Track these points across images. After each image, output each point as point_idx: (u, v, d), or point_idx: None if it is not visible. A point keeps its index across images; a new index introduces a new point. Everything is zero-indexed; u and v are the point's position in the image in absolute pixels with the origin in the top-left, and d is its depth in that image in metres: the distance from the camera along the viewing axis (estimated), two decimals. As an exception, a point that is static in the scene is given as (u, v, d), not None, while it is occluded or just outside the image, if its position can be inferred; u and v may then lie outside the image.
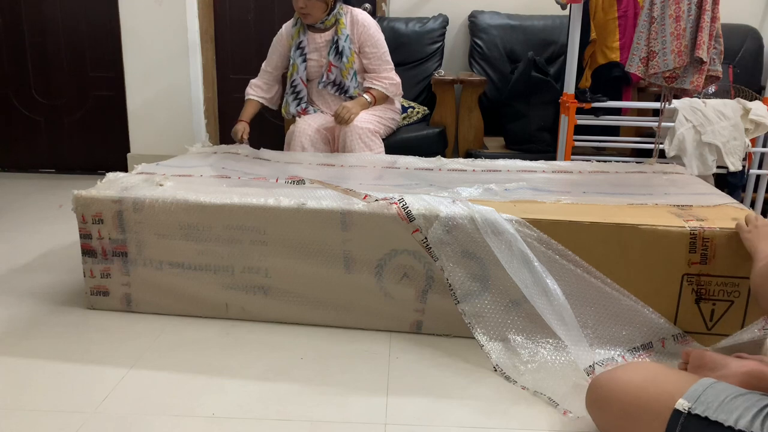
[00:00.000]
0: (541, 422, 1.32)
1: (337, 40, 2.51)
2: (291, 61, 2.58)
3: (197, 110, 3.53)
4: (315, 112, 2.59)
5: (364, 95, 2.53)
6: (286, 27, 2.64)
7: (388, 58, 2.61)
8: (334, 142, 2.51)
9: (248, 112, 2.64)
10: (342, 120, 2.40)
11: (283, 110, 2.65)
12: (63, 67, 3.61)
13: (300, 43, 2.56)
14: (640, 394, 1.08)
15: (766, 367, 1.18)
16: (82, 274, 1.80)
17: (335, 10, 2.52)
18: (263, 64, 2.68)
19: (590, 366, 1.44)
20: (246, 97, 2.67)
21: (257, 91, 2.66)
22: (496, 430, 1.30)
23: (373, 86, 2.56)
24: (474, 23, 3.26)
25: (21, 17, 3.55)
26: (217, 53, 3.63)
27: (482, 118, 2.88)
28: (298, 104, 2.59)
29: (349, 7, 2.60)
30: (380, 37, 2.59)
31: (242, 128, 2.57)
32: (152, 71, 3.47)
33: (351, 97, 2.55)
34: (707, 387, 1.01)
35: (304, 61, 2.57)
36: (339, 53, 2.51)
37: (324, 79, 2.55)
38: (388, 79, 2.58)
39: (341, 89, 2.56)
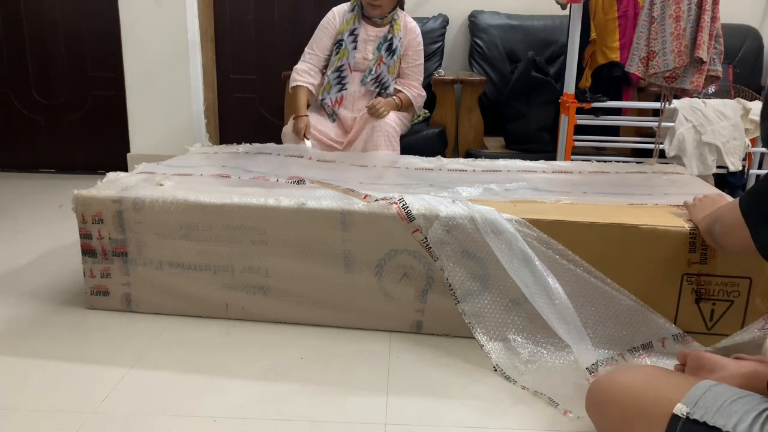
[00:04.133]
0: (541, 422, 1.33)
1: (391, 38, 2.54)
2: (342, 46, 2.55)
3: (197, 110, 3.53)
4: (336, 112, 2.58)
5: (394, 98, 2.57)
6: (340, 11, 2.61)
7: (422, 70, 2.66)
8: (326, 140, 2.51)
9: (303, 102, 2.52)
10: (376, 113, 2.43)
11: (321, 90, 2.59)
12: (63, 67, 3.61)
13: (354, 30, 2.55)
14: (640, 398, 1.07)
15: (765, 367, 1.18)
16: (82, 274, 1.80)
17: (396, 10, 2.57)
18: (308, 48, 2.61)
19: (593, 364, 1.44)
20: (293, 84, 2.56)
21: (306, 77, 2.56)
22: (496, 430, 1.30)
23: (403, 90, 2.59)
24: (474, 23, 3.26)
25: (21, 17, 3.55)
26: (217, 53, 3.63)
27: (482, 118, 2.88)
28: (340, 90, 2.56)
29: (403, 12, 2.64)
30: (422, 49, 2.66)
31: (304, 124, 2.45)
32: (152, 71, 3.47)
33: (385, 90, 2.57)
34: (706, 390, 1.00)
35: (355, 48, 2.56)
36: (391, 50, 2.54)
37: (372, 73, 2.54)
38: (418, 89, 2.63)
39: (383, 86, 2.56)
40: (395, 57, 2.55)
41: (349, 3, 2.63)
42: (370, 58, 2.55)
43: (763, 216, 1.13)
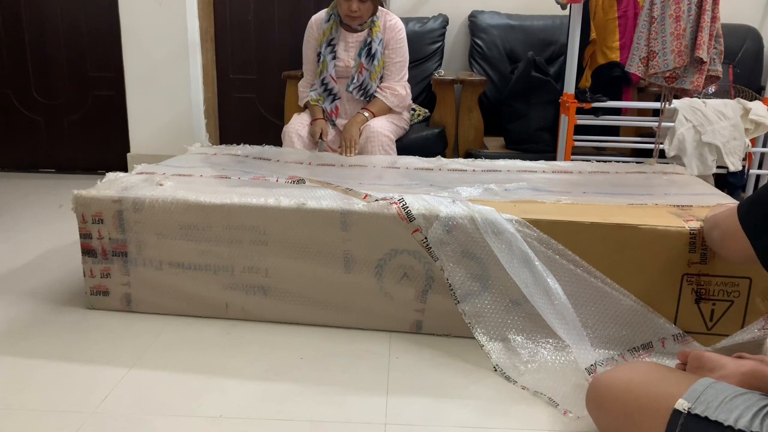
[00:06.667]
0: (541, 422, 1.33)
1: (370, 42, 2.50)
2: (321, 58, 2.55)
3: (197, 110, 3.53)
4: (335, 121, 2.58)
5: (363, 112, 2.53)
6: (317, 20, 2.60)
7: (402, 68, 2.60)
8: (327, 144, 2.51)
9: (318, 111, 2.57)
10: (350, 152, 2.41)
11: (316, 100, 2.60)
12: (63, 67, 3.61)
13: (332, 39, 2.54)
14: (640, 394, 1.08)
15: (765, 366, 1.18)
16: (82, 274, 1.80)
17: (376, 13, 2.53)
18: (303, 66, 2.66)
19: (592, 365, 1.44)
20: (303, 102, 2.64)
21: (309, 92, 2.61)
22: (496, 430, 1.30)
23: (377, 95, 2.56)
24: (474, 23, 3.26)
25: (21, 17, 3.55)
26: (217, 53, 3.63)
27: (482, 118, 2.88)
28: (333, 101, 2.56)
29: (385, 9, 2.61)
30: (404, 46, 2.60)
31: (320, 127, 2.49)
32: (152, 71, 3.47)
33: (370, 98, 2.56)
34: (707, 387, 1.01)
35: (334, 58, 2.55)
36: (371, 55, 2.50)
37: (354, 82, 2.52)
38: (391, 89, 2.57)
39: (366, 93, 2.55)
40: (376, 61, 2.51)
41: (325, 11, 2.60)
42: (352, 66, 2.53)
43: (763, 227, 1.13)
